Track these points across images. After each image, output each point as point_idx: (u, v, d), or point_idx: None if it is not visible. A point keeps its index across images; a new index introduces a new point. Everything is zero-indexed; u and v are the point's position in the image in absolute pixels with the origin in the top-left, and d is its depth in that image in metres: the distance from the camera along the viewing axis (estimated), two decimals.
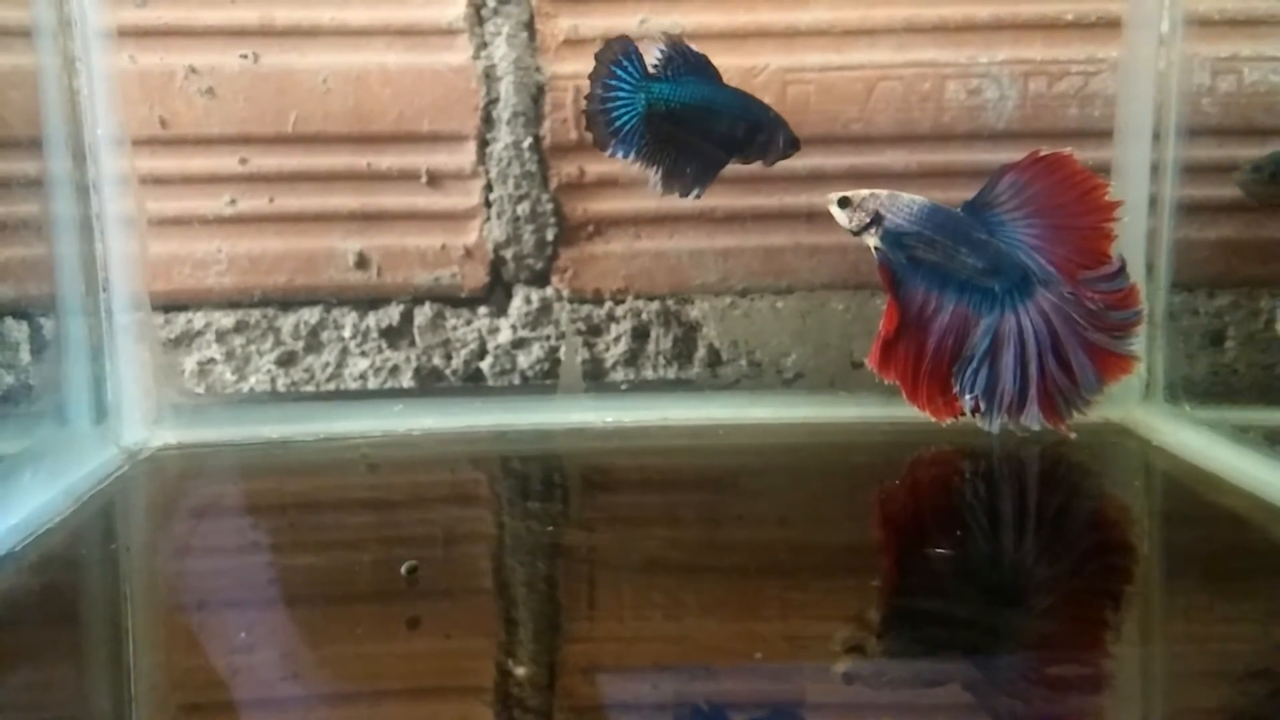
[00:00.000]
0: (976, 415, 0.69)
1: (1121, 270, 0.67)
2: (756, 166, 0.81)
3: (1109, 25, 0.80)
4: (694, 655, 0.47)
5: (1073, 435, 0.69)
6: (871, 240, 0.69)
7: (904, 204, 0.68)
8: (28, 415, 0.71)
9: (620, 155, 0.65)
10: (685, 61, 0.64)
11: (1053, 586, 0.54)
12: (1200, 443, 0.70)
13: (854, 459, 0.75)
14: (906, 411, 0.70)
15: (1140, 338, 0.69)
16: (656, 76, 0.63)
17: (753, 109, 0.66)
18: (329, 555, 0.59)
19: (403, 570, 0.53)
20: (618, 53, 0.64)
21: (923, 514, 0.65)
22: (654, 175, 0.66)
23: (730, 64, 0.67)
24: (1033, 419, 0.68)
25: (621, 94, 0.64)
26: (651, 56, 0.65)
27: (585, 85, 0.80)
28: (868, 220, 0.68)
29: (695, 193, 0.67)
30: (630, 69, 0.64)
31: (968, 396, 0.68)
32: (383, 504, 0.68)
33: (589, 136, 0.81)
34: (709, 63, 0.65)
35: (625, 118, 0.64)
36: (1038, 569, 0.56)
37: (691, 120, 0.64)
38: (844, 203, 0.69)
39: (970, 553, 0.57)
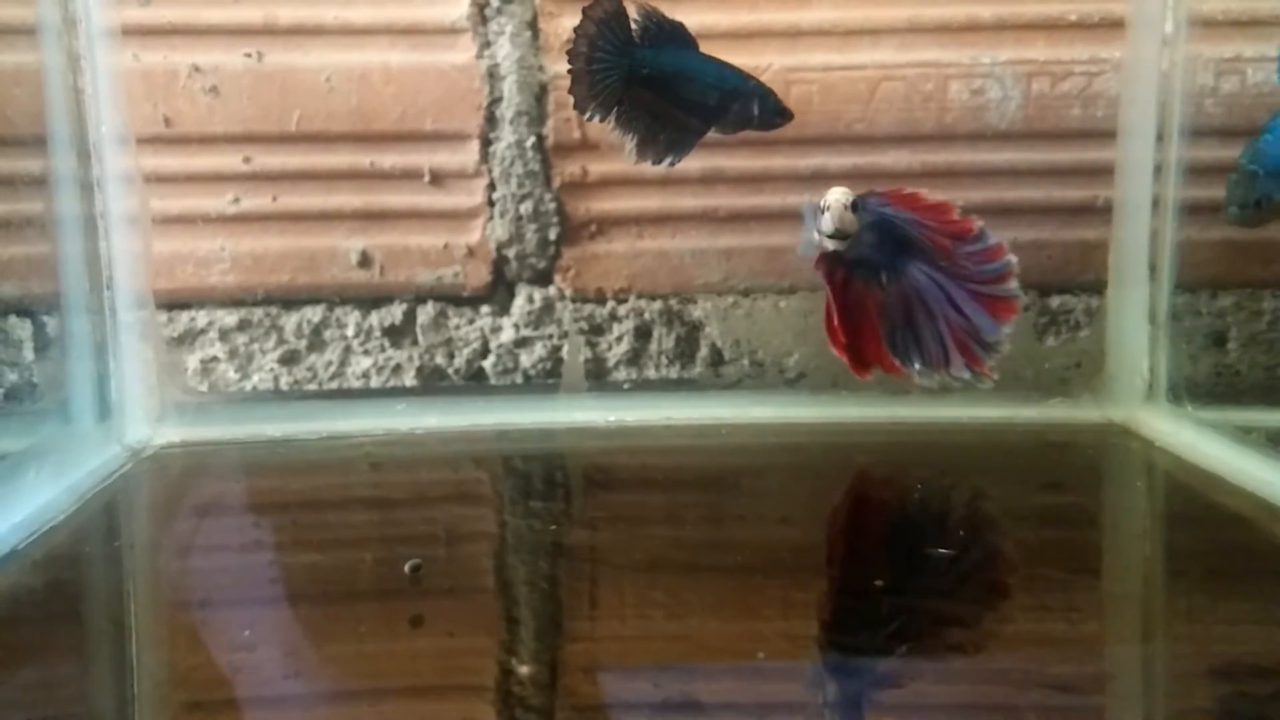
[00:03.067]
0: (918, 377, 0.69)
1: (983, 233, 0.69)
2: (760, 164, 0.81)
3: (1112, 26, 0.79)
4: (696, 655, 0.47)
5: (995, 377, 0.69)
6: (837, 244, 0.66)
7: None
8: (32, 413, 0.71)
9: (598, 119, 0.63)
10: (661, 30, 0.62)
11: (1052, 586, 0.54)
12: (1202, 443, 0.70)
13: (857, 459, 0.75)
14: (909, 411, 0.71)
15: (1016, 282, 0.69)
16: (640, 43, 0.62)
17: (729, 78, 0.64)
18: (332, 554, 0.59)
19: (406, 569, 0.53)
20: (609, 12, 0.62)
21: (922, 514, 0.65)
22: (630, 142, 0.65)
23: (733, 64, 0.67)
24: (960, 368, 0.69)
25: (607, 56, 0.62)
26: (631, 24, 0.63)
27: None
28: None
29: (669, 160, 0.65)
30: (618, 31, 0.62)
31: (916, 366, 0.69)
32: (385, 503, 0.68)
33: (589, 133, 0.82)
34: (685, 30, 0.64)
35: (608, 81, 0.62)
36: (1037, 569, 0.56)
37: (665, 88, 0.63)
38: (855, 206, 0.65)
39: (970, 554, 0.57)
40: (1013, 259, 0.70)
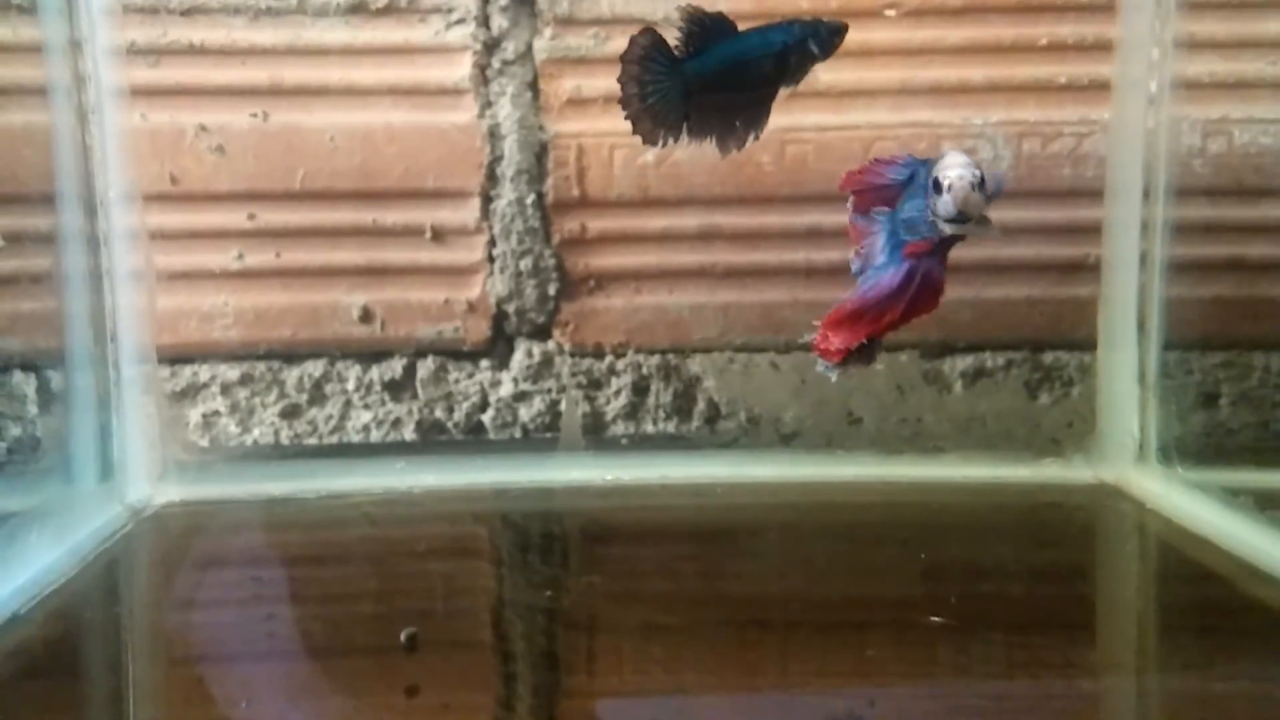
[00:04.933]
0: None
1: None
2: (757, 221, 0.82)
3: (1100, 88, 0.81)
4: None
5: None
6: (957, 227, 0.51)
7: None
8: (35, 472, 0.71)
9: (672, 143, 0.61)
10: (704, 29, 0.60)
11: (1039, 654, 0.55)
12: (1192, 506, 0.71)
13: (850, 520, 0.75)
14: (902, 470, 0.71)
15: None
16: (685, 56, 0.60)
17: (774, 40, 0.61)
18: (331, 621, 0.60)
19: (402, 638, 0.54)
20: (646, 46, 0.60)
21: (915, 576, 0.65)
22: (710, 145, 0.64)
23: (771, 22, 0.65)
24: None
25: (659, 85, 0.60)
26: (672, 37, 0.59)
27: (588, 144, 0.82)
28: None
29: (753, 136, 0.64)
30: (660, 59, 0.60)
31: None
32: (384, 567, 0.68)
33: (588, 190, 0.84)
34: (726, 18, 0.61)
35: (668, 107, 0.60)
36: (1022, 636, 0.57)
37: (724, 83, 0.60)
38: (982, 182, 0.50)
39: (963, 620, 0.57)
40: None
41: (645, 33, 0.61)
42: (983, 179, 0.51)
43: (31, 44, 0.71)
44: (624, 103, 0.61)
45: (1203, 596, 0.63)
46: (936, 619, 0.57)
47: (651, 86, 0.60)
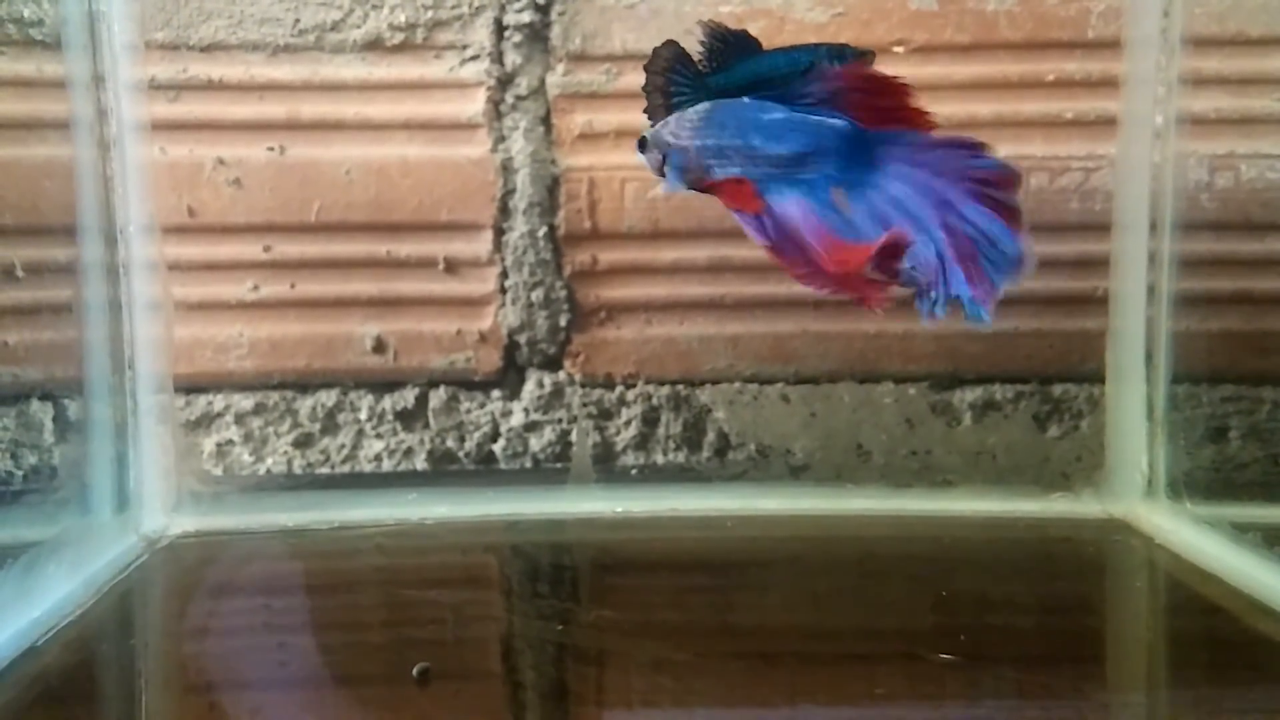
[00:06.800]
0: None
1: (983, 145, 0.53)
2: (765, 254, 0.83)
3: (1107, 123, 0.82)
4: None
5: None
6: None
7: (681, 120, 0.58)
8: (53, 502, 0.72)
9: None
10: (727, 46, 0.61)
11: (1048, 688, 0.55)
12: (1201, 541, 0.71)
13: (860, 552, 0.75)
14: (911, 504, 0.71)
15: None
16: (708, 70, 0.61)
17: (799, 60, 0.61)
18: (343, 653, 0.60)
19: (414, 673, 0.54)
20: (669, 58, 0.61)
21: (925, 609, 0.66)
22: None
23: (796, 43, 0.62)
24: (960, 285, 0.54)
25: (683, 98, 0.61)
26: (694, 52, 0.60)
27: (599, 177, 0.83)
28: (661, 156, 0.58)
29: None
30: (683, 71, 0.61)
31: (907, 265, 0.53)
32: (397, 599, 0.68)
33: (600, 223, 0.85)
34: (749, 36, 0.61)
35: None
36: (1031, 670, 0.57)
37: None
38: (643, 144, 0.59)
39: (972, 653, 0.57)
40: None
41: (668, 44, 0.61)
42: (643, 139, 0.58)
43: (55, 79, 0.73)
44: (649, 113, 0.61)
45: (1211, 632, 0.63)
46: (946, 656, 0.57)
47: (676, 98, 0.61)
